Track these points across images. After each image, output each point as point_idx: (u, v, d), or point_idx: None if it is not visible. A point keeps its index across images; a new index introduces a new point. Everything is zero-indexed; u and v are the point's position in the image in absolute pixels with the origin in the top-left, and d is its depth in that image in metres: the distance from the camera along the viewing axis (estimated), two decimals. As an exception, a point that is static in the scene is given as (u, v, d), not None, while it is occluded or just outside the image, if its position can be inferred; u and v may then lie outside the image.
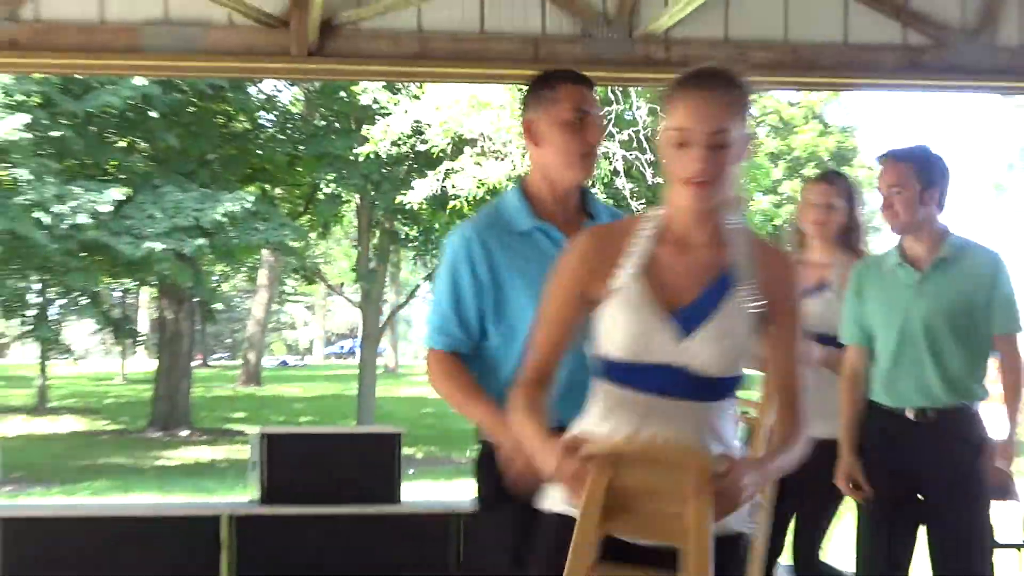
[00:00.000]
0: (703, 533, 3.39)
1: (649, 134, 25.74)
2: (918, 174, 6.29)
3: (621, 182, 26.36)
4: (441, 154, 26.74)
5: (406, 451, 9.27)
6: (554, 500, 3.76)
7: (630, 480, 3.44)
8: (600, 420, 3.69)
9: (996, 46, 10.43)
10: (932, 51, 10.40)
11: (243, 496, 9.49)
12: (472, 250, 4.43)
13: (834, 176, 7.33)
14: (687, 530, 3.40)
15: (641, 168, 24.89)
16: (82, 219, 25.28)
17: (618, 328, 3.65)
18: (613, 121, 24.84)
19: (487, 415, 4.41)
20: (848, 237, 6.96)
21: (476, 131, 25.87)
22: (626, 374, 3.65)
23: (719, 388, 3.71)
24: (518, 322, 4.37)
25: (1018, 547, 9.87)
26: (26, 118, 25.12)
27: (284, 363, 59.93)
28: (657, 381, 3.64)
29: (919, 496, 6.33)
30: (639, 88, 23.97)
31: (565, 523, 3.60)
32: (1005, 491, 6.64)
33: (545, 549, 3.80)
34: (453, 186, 26.55)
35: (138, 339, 40.26)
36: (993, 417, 6.48)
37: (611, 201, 26.51)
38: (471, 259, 4.43)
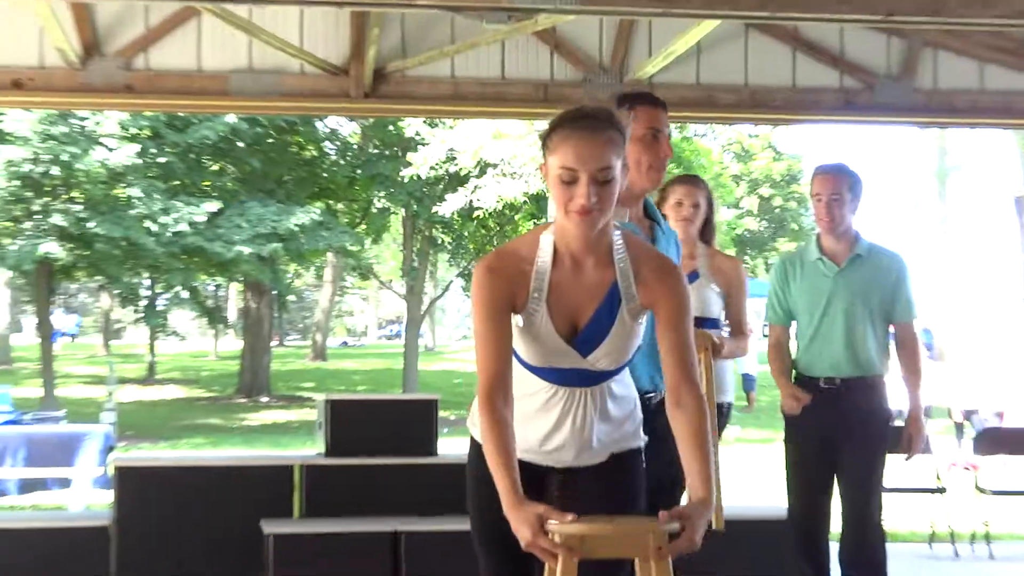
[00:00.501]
0: None
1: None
2: (851, 187, 6.29)
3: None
4: (469, 175, 26.83)
5: (441, 414, 9.22)
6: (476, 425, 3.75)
7: (597, 553, 3.34)
8: (522, 396, 3.63)
9: (913, 88, 10.41)
10: (863, 93, 10.38)
11: (311, 450, 9.47)
12: None
13: (698, 179, 7.03)
14: None
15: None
16: (183, 228, 25.31)
17: (532, 348, 3.60)
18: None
19: None
20: (705, 232, 6.67)
21: (497, 157, 26.06)
22: (541, 372, 3.63)
23: (616, 371, 3.70)
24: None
25: (933, 491, 9.85)
26: (138, 147, 25.18)
27: (344, 343, 59.79)
28: (566, 377, 3.63)
29: (835, 449, 6.32)
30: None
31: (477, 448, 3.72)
32: (918, 446, 6.61)
33: (475, 471, 3.83)
34: (478, 200, 26.68)
35: (227, 324, 40.30)
36: (897, 388, 6.52)
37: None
38: None
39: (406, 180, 29.07)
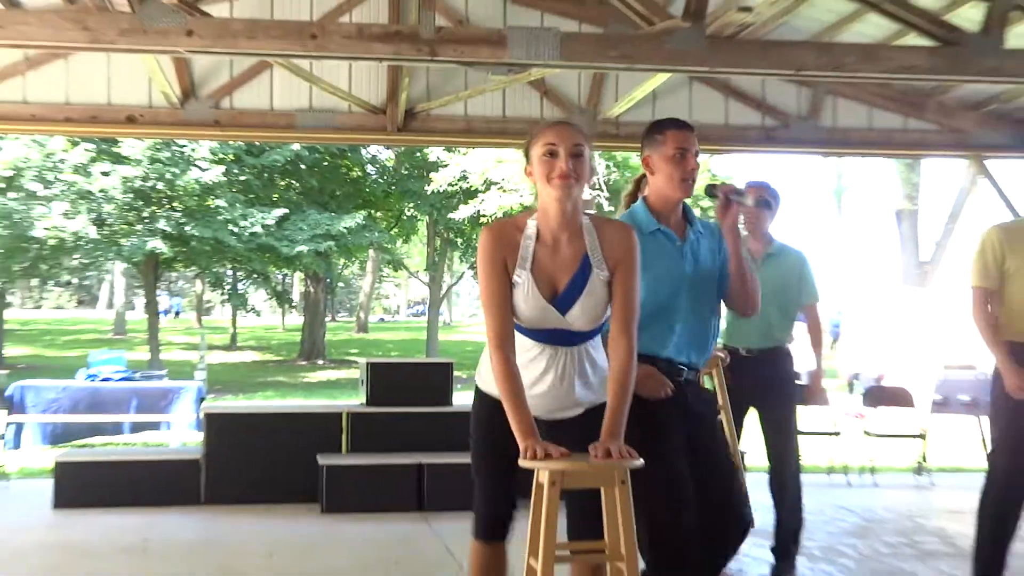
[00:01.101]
0: (627, 510, 3.34)
1: (607, 180, 25.80)
2: (775, 199, 6.26)
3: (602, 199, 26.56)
4: (477, 190, 26.83)
5: (456, 373, 9.21)
6: (487, 383, 3.73)
7: (575, 484, 3.37)
8: (521, 355, 3.58)
9: (818, 126, 10.42)
10: (780, 130, 10.39)
11: (356, 400, 9.47)
12: None
13: None
14: (613, 504, 3.37)
15: (601, 203, 24.86)
16: (257, 230, 25.26)
17: (522, 310, 3.53)
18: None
19: None
20: None
21: (499, 177, 26.14)
22: (530, 333, 3.56)
23: (592, 333, 3.63)
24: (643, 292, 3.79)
25: (830, 434, 9.87)
26: (223, 168, 25.18)
27: (382, 319, 59.69)
28: (550, 337, 3.57)
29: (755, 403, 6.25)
30: (600, 152, 23.98)
31: (492, 400, 3.64)
32: (820, 400, 6.61)
33: (479, 414, 3.82)
34: (484, 209, 26.73)
35: (292, 303, 40.27)
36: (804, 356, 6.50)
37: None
38: None
39: (429, 194, 29.07)
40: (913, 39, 8.01)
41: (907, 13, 7.63)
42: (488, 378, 3.70)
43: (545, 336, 3.57)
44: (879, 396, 11.34)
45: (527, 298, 3.51)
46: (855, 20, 9.07)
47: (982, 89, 10.07)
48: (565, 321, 3.54)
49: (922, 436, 10.32)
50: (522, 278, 3.51)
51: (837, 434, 9.93)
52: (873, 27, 9.04)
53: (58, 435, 11.22)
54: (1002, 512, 4.88)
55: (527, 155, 3.61)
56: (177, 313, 53.06)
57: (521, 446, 3.34)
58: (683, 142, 4.02)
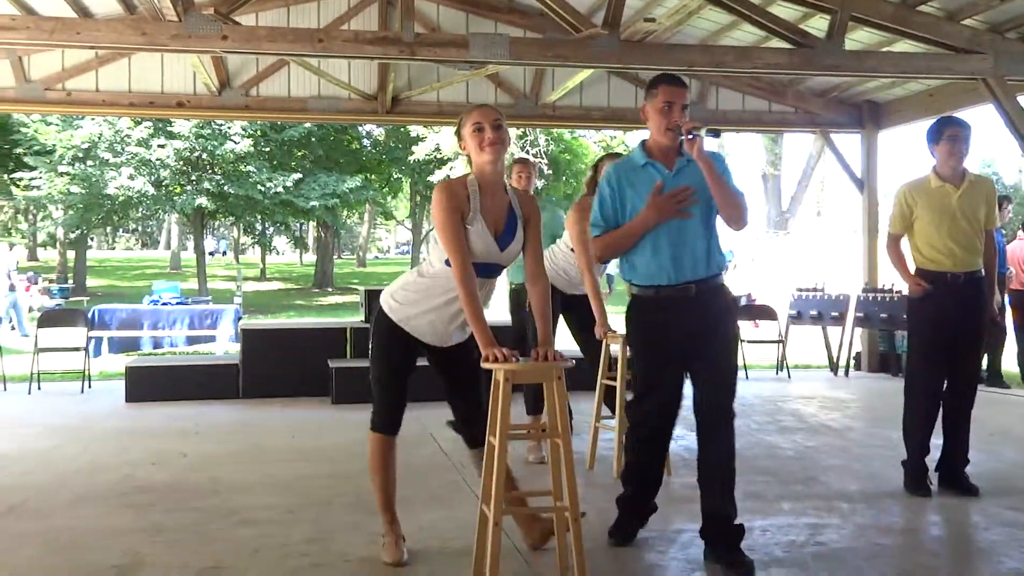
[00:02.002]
0: (563, 399, 3.31)
1: (546, 151, 25.61)
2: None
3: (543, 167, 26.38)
4: (448, 159, 26.57)
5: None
6: (397, 311, 3.58)
7: (522, 380, 3.34)
8: (450, 286, 3.45)
9: (705, 109, 10.37)
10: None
11: (357, 318, 9.43)
12: (611, 179, 3.73)
13: (622, 156, 6.30)
14: (552, 394, 3.31)
15: (541, 168, 24.72)
16: (279, 190, 25.09)
17: (476, 246, 3.41)
18: (530, 142, 24.70)
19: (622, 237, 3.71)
20: None
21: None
22: (477, 269, 3.42)
23: (501, 270, 3.57)
24: (633, 215, 3.64)
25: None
26: (252, 142, 24.91)
27: (376, 257, 59.20)
28: (491, 270, 3.50)
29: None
30: (539, 129, 23.84)
31: (391, 320, 3.57)
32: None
33: (385, 336, 3.63)
34: (453, 175, 26.47)
35: (307, 246, 39.87)
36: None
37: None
38: (610, 184, 3.72)
39: (411, 162, 28.78)
40: (776, 43, 7.99)
41: (771, 23, 7.64)
42: (391, 304, 3.60)
43: (484, 270, 3.48)
44: (750, 311, 11.48)
45: (481, 236, 3.43)
46: (733, 28, 9.04)
47: (827, 80, 10.10)
48: (501, 256, 3.49)
49: (781, 342, 10.45)
50: (477, 219, 3.43)
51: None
52: (746, 34, 9.02)
53: (128, 346, 11.15)
54: (927, 406, 4.73)
55: (459, 135, 3.54)
56: (224, 253, 52.39)
57: (485, 352, 3.30)
58: (670, 96, 3.69)
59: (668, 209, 3.59)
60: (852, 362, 10.57)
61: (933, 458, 4.83)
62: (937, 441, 4.82)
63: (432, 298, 3.52)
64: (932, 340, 4.72)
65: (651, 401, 3.74)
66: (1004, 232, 9.22)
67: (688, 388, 3.71)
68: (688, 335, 3.61)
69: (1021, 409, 7.83)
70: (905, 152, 22.91)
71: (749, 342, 10.15)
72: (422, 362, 3.70)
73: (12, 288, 16.44)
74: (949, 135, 4.70)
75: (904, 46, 8.33)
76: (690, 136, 3.58)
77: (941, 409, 4.79)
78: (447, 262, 3.45)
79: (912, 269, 4.89)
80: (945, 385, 4.77)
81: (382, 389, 3.69)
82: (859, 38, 8.55)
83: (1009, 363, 9.31)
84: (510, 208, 3.53)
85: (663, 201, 3.60)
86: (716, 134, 3.64)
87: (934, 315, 4.69)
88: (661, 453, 3.92)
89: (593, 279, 5.23)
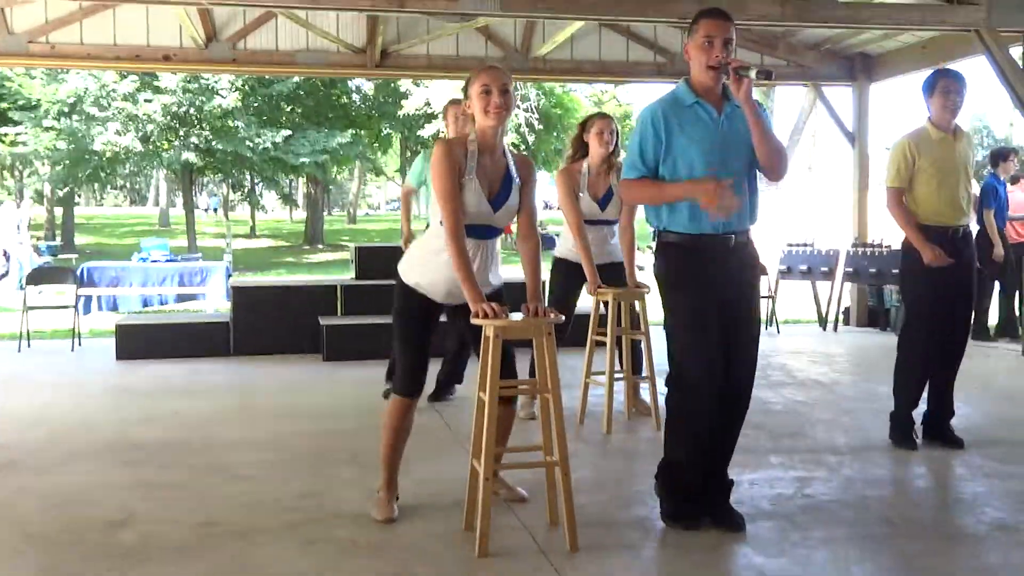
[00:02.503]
0: (552, 354, 3.33)
1: (537, 105, 25.46)
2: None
3: (524, 130, 26.19)
4: (437, 114, 26.40)
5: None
6: (410, 275, 3.62)
7: (512, 335, 3.34)
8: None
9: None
10: (667, 65, 10.27)
11: (347, 276, 9.43)
12: (655, 118, 3.41)
13: (609, 116, 5.58)
14: (542, 350, 3.34)
15: (532, 123, 24.60)
16: (268, 145, 24.92)
17: (470, 205, 3.42)
18: (520, 98, 24.56)
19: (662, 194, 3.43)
20: (614, 152, 5.38)
21: (455, 102, 25.72)
22: (471, 230, 3.44)
23: (500, 231, 3.57)
24: (679, 159, 3.39)
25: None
26: (239, 96, 24.70)
27: (367, 213, 58.89)
28: (484, 232, 3.50)
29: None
30: (531, 83, 23.67)
31: (410, 287, 3.59)
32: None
33: (403, 300, 3.65)
34: (444, 130, 26.30)
35: (297, 203, 39.65)
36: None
37: (520, 143, 26.44)
38: (654, 123, 3.40)
39: (401, 116, 28.62)
40: (769, -5, 7.91)
41: (764, -26, 7.56)
42: (403, 267, 3.66)
43: (481, 232, 3.50)
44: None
45: (475, 194, 3.43)
46: (726, -20, 8.94)
47: (819, 32, 10.03)
48: (494, 218, 3.49)
49: (771, 297, 10.48)
50: (472, 179, 3.43)
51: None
52: (739, -15, 8.92)
53: (118, 304, 11.13)
54: (924, 361, 4.73)
55: (466, 93, 3.52)
56: (216, 210, 52.08)
57: (474, 309, 3.32)
58: (711, 30, 3.37)
59: (715, 200, 3.29)
60: (841, 317, 10.62)
61: (919, 411, 4.88)
62: (923, 394, 4.87)
63: (439, 256, 3.50)
64: (930, 297, 4.69)
65: (699, 352, 3.40)
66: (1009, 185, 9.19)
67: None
68: (724, 286, 3.42)
69: (1005, 362, 7.91)
70: (895, 106, 22.79)
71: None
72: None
73: (21, 243, 16.44)
74: (943, 88, 4.67)
75: (897, -2, 8.27)
76: (737, 76, 3.28)
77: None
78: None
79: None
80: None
81: (403, 352, 3.64)
82: (852, -10, 8.48)
83: (994, 317, 9.39)
84: (507, 170, 3.52)
85: (717, 192, 3.30)
86: (768, 75, 3.30)
87: (935, 272, 4.61)
88: (715, 415, 3.48)
89: (584, 240, 5.22)
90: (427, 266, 3.57)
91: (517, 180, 3.53)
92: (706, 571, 3.13)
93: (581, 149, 5.41)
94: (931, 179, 4.67)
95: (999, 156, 9.00)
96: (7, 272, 16.25)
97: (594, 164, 5.37)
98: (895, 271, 5.11)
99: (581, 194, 5.31)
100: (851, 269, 10.17)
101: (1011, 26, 7.85)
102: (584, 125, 5.47)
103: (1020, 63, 8.00)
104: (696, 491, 3.49)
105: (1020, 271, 8.91)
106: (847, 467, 4.40)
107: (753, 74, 3.25)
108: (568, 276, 5.49)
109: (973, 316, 5.48)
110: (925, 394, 4.87)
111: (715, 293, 3.41)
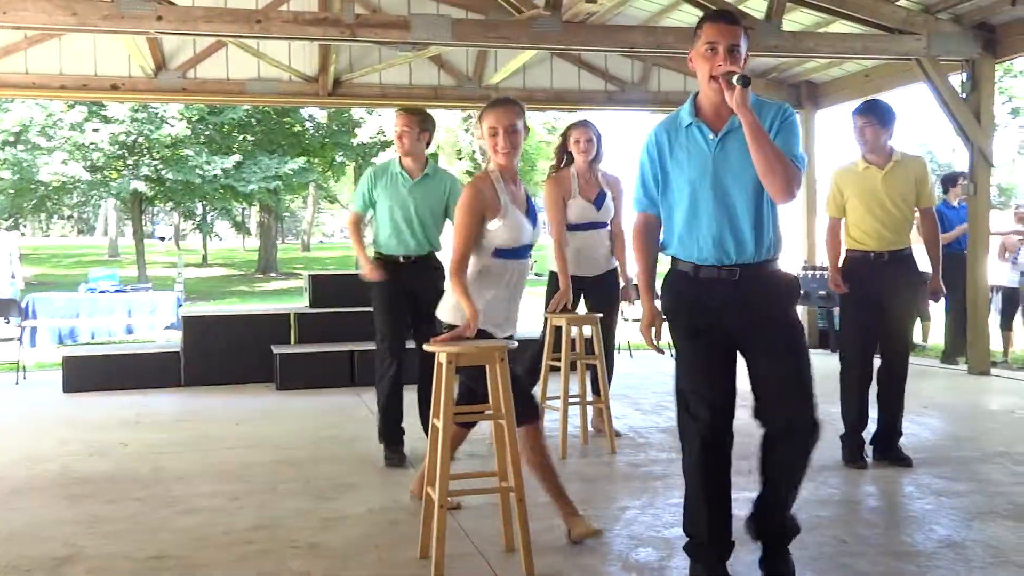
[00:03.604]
0: (506, 380, 3.34)
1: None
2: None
3: (478, 157, 26.32)
4: (390, 142, 26.36)
5: (376, 282, 9.09)
6: (446, 314, 3.69)
7: (467, 362, 3.39)
8: (492, 284, 3.62)
9: (648, 90, 10.48)
10: (619, 93, 10.42)
11: (301, 304, 9.36)
12: (651, 145, 3.12)
13: (589, 122, 5.63)
14: (495, 376, 3.35)
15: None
16: (218, 173, 24.81)
17: (510, 233, 3.57)
18: (474, 125, 24.65)
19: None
20: (596, 159, 5.57)
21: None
22: (517, 252, 3.64)
23: (532, 246, 3.74)
24: (672, 188, 3.08)
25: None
26: (189, 125, 24.56)
27: (321, 241, 58.54)
28: (525, 252, 3.68)
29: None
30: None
31: (451, 327, 3.58)
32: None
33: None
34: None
35: (249, 231, 39.35)
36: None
37: (475, 168, 26.46)
38: (649, 151, 3.12)
39: (355, 144, 28.60)
40: (716, 24, 8.07)
41: (710, 3, 7.72)
42: (445, 311, 3.70)
43: (520, 252, 3.65)
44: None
45: (519, 222, 3.60)
46: (673, 9, 9.12)
47: (765, 62, 10.23)
48: (532, 234, 3.68)
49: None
50: (509, 209, 3.59)
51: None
52: (687, 15, 9.09)
53: (65, 336, 10.94)
54: (859, 381, 4.86)
55: (480, 120, 3.66)
56: (165, 239, 51.37)
57: (470, 324, 3.43)
58: (713, 36, 2.99)
59: (648, 338, 3.16)
60: (793, 339, 10.73)
61: (869, 431, 4.96)
62: (873, 415, 4.95)
63: (487, 288, 3.63)
64: (857, 317, 4.90)
65: (697, 392, 3.21)
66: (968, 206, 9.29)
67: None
68: (732, 323, 3.06)
69: (949, 381, 8.06)
70: (841, 132, 23.22)
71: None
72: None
73: (12, 276, 15.94)
74: (856, 123, 4.94)
75: (840, 27, 8.48)
76: (727, 83, 2.92)
77: (876, 384, 4.92)
78: (496, 252, 3.61)
79: (843, 251, 5.05)
80: (878, 361, 4.91)
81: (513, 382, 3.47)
82: (796, 19, 8.68)
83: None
84: (526, 193, 3.75)
85: (643, 332, 3.18)
86: (745, 82, 2.89)
87: (859, 293, 4.87)
88: (724, 471, 3.32)
89: (562, 250, 5.42)
90: (482, 297, 3.61)
91: (535, 201, 3.79)
92: (662, 594, 3.13)
93: (566, 157, 5.67)
94: (856, 208, 4.93)
95: (948, 182, 9.18)
96: None
97: (580, 170, 5.62)
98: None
99: (574, 199, 5.52)
100: (800, 291, 10.31)
101: (950, 55, 8.09)
102: (565, 135, 5.71)
103: (960, 91, 8.24)
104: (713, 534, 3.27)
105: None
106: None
107: (735, 79, 2.91)
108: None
109: (912, 337, 5.60)
110: (875, 414, 4.96)
111: (717, 332, 3.10)
